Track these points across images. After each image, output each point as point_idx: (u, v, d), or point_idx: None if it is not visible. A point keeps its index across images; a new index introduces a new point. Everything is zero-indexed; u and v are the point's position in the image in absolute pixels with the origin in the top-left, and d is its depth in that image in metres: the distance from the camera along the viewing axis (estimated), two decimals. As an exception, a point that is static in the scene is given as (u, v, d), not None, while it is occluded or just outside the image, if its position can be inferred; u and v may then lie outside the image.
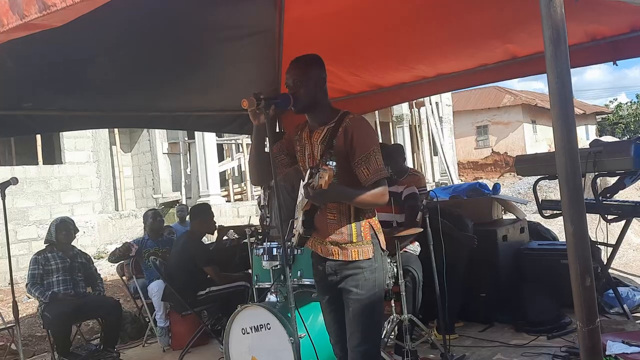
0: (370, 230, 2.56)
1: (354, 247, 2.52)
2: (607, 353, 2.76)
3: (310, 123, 2.68)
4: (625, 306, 4.37)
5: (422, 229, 3.91)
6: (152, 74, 4.64)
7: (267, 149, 2.71)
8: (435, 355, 4.19)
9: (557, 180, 6.71)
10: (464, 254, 4.56)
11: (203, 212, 5.24)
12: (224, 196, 14.07)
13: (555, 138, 1.42)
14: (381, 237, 2.61)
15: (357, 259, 2.51)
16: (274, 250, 3.82)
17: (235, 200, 14.57)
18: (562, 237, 6.28)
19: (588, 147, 4.14)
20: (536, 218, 6.53)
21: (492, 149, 28.92)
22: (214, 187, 13.36)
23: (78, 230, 5.41)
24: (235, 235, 5.63)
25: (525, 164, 4.56)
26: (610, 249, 4.31)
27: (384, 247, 2.62)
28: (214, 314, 5.25)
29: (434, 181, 21.18)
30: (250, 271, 4.04)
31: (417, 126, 20.39)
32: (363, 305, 2.50)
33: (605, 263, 4.39)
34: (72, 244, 5.24)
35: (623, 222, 4.13)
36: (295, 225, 2.74)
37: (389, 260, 3.16)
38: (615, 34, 4.28)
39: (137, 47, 4.14)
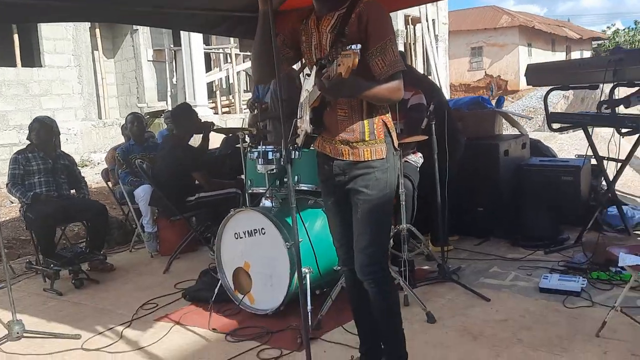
0: (384, 127, 2.35)
1: (365, 146, 2.30)
2: (619, 264, 2.65)
3: (317, 9, 2.38)
4: (627, 225, 4.28)
5: (426, 137, 3.70)
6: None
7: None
8: (431, 266, 4.12)
9: (567, 92, 6.52)
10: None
11: (185, 112, 4.98)
12: (211, 108, 13.68)
13: None
14: (394, 135, 2.40)
15: (369, 158, 2.30)
16: (270, 154, 3.59)
17: (223, 113, 14.20)
18: (561, 155, 6.16)
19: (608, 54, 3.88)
20: (537, 135, 6.36)
21: (485, 72, 28.44)
22: (201, 97, 12.94)
23: (60, 133, 5.12)
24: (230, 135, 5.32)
25: (537, 73, 4.31)
26: (619, 166, 4.16)
27: (396, 145, 2.42)
28: (203, 221, 5.11)
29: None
30: (242, 177, 3.83)
31: (411, 44, 19.77)
32: (373, 206, 2.33)
33: (612, 179, 4.26)
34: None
35: (635, 137, 3.95)
36: (299, 125, 2.50)
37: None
38: None
39: None
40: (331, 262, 3.42)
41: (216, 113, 13.89)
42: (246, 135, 4.00)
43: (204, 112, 12.83)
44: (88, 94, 12.48)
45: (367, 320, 2.59)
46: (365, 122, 2.31)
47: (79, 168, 5.46)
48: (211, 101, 14.04)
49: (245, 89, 15.39)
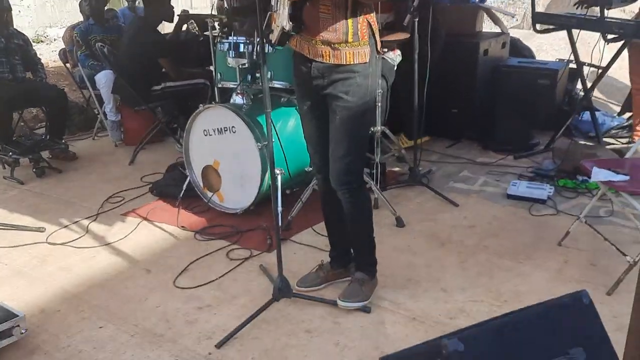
0: (369, 29, 2.18)
1: (348, 48, 2.15)
2: (592, 179, 2.66)
3: None
4: (598, 133, 4.30)
5: (409, 35, 3.52)
6: None
7: None
8: (402, 168, 4.11)
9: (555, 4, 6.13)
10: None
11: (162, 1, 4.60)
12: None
13: None
14: (377, 37, 2.24)
15: (351, 62, 2.16)
16: (242, 46, 3.36)
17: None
18: (539, 55, 6.03)
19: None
20: (515, 33, 6.17)
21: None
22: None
23: (11, 8, 4.67)
24: (196, 29, 5.02)
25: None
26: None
27: (379, 48, 2.27)
28: (169, 112, 4.91)
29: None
30: (211, 68, 3.61)
31: None
32: (352, 113, 2.22)
33: (590, 86, 4.20)
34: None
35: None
36: (274, 19, 2.29)
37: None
38: None
39: None
40: (302, 162, 3.36)
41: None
42: (215, 23, 3.71)
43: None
44: (40, -38, 11.43)
45: (338, 227, 2.59)
46: (349, 21, 2.13)
47: (35, 45, 5.07)
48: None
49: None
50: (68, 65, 5.58)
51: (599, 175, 2.59)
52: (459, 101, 4.71)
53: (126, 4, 7.14)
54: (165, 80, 4.56)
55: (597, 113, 4.65)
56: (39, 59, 4.90)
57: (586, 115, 4.60)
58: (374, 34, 2.22)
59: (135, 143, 4.81)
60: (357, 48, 2.16)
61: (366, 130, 2.43)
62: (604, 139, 4.44)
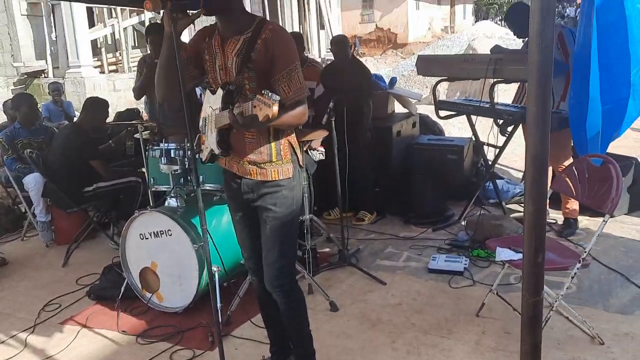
0: (290, 148, 2.46)
1: (273, 167, 2.41)
2: (496, 259, 3.02)
3: (222, 30, 2.39)
4: (502, 202, 4.78)
5: (327, 132, 3.86)
6: None
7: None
8: (332, 249, 4.37)
9: (455, 85, 6.87)
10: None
11: (101, 109, 4.78)
12: (96, 67, 12.90)
13: (530, 116, 1.29)
14: (299, 154, 2.53)
15: (276, 178, 2.42)
16: (172, 152, 3.58)
17: (110, 72, 13.45)
18: (447, 129, 6.61)
19: (489, 52, 4.21)
20: (424, 110, 6.75)
21: (376, 25, 28.93)
22: (84, 56, 12.15)
23: None
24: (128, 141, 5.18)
25: (427, 63, 4.58)
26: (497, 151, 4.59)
27: (302, 163, 2.55)
28: (101, 211, 4.98)
29: (320, 57, 20.97)
30: (143, 170, 3.78)
31: (304, -2, 19.63)
32: (281, 223, 2.46)
33: (491, 163, 4.70)
34: None
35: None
36: (203, 140, 2.55)
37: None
38: None
39: None
40: (237, 256, 3.53)
41: (102, 72, 13.15)
42: (145, 129, 3.91)
43: (89, 73, 12.11)
44: (-47, 53, 11.28)
45: (276, 325, 2.77)
46: (272, 144, 2.41)
47: None
48: (96, 59, 13.22)
49: (134, 44, 14.62)
50: (-8, 166, 5.56)
51: (502, 254, 2.96)
52: (380, 179, 5.10)
53: (51, 98, 7.23)
54: (96, 180, 4.66)
55: (501, 182, 5.17)
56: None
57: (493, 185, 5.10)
58: (295, 151, 2.50)
59: (67, 242, 4.82)
60: (280, 166, 2.43)
61: (294, 236, 2.65)
62: (511, 206, 4.92)
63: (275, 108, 2.00)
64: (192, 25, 2.39)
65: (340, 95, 3.86)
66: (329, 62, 5.10)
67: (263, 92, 2.04)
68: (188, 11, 2.28)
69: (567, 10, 21.05)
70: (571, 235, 4.31)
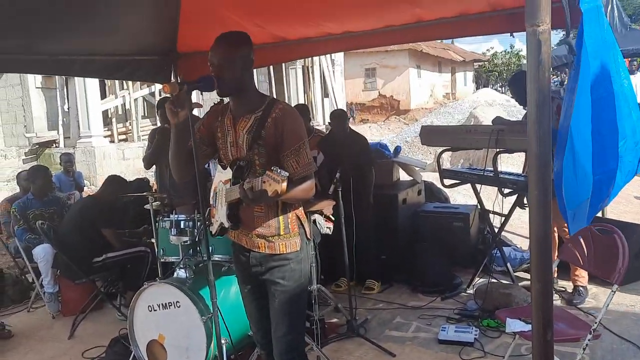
0: (297, 221, 2.52)
1: (281, 240, 2.46)
2: (507, 330, 3.00)
3: (234, 109, 2.51)
4: (510, 269, 4.77)
5: (334, 202, 3.93)
6: (29, 11, 4.04)
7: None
8: (340, 319, 4.33)
9: (457, 153, 6.96)
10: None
11: (120, 188, 4.92)
12: (106, 136, 13.20)
13: (531, 195, 1.35)
14: (307, 226, 2.58)
15: (284, 252, 2.46)
16: (182, 223, 3.64)
17: (120, 141, 13.75)
18: (452, 196, 6.68)
19: (491, 123, 4.34)
20: (429, 177, 6.84)
21: (379, 92, 29.66)
22: (95, 126, 12.47)
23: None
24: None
25: (431, 134, 4.70)
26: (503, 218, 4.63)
27: (309, 236, 2.60)
28: (109, 281, 4.99)
29: (324, 123, 21.42)
30: (148, 227, 3.83)
31: (309, 67, 20.28)
32: (290, 297, 2.48)
33: (497, 231, 4.73)
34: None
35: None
36: (213, 214, 2.62)
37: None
38: (514, 6, 4.43)
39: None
40: (245, 327, 3.51)
41: (112, 141, 13.43)
42: (156, 200, 4.00)
43: (99, 143, 12.38)
44: (-32, 125, 11.62)
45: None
46: (280, 217, 2.47)
47: None
48: (107, 129, 13.55)
49: (143, 114, 15.01)
50: (2, 237, 5.62)
51: (512, 326, 2.94)
52: (386, 247, 5.12)
53: (62, 169, 7.38)
54: (106, 251, 4.70)
55: (508, 249, 5.17)
56: (-26, 235, 4.96)
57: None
58: (302, 224, 2.55)
59: (73, 313, 4.79)
60: (288, 239, 2.47)
61: (303, 309, 2.66)
62: (520, 274, 4.91)
63: (284, 184, 2.08)
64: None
65: (344, 165, 3.96)
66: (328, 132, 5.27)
67: (272, 168, 2.12)
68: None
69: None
70: (581, 304, 4.27)
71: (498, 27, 4.97)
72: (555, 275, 4.59)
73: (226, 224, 2.49)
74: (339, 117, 5.09)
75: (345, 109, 22.24)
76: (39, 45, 4.73)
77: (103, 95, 13.69)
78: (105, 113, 13.49)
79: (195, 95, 2.74)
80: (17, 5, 3.66)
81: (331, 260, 4.68)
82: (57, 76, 13.06)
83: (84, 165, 11.88)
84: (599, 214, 5.16)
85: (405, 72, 29.18)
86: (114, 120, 13.88)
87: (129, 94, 13.77)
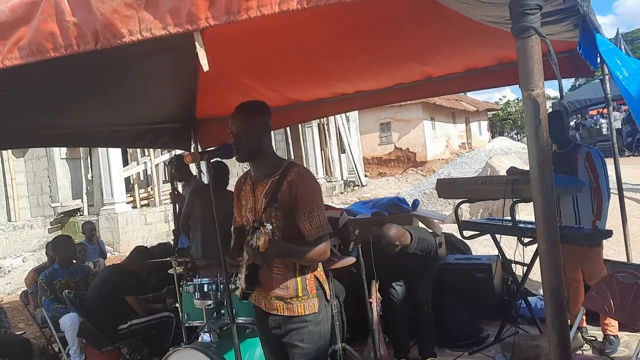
0: (316, 282, 2.56)
1: (299, 302, 2.50)
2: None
3: (253, 174, 2.63)
4: (537, 319, 4.69)
5: (354, 260, 3.96)
6: (57, 91, 4.26)
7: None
8: (367, 379, 4.27)
9: (476, 203, 6.94)
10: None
11: (146, 259, 5.02)
12: (129, 202, 13.46)
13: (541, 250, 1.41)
14: (326, 287, 2.61)
15: (302, 313, 2.49)
16: (206, 286, 3.70)
17: (142, 206, 13.99)
18: (473, 248, 6.64)
19: (506, 174, 4.38)
20: (449, 229, 6.84)
21: (394, 145, 29.91)
22: (118, 193, 12.74)
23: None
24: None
25: (447, 187, 4.75)
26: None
27: (328, 297, 2.63)
28: (134, 348, 5.01)
29: (342, 179, 21.59)
30: (176, 305, 3.88)
31: (324, 125, 20.66)
32: (309, 359, 2.50)
33: (521, 281, 4.69)
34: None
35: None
36: (238, 277, 2.68)
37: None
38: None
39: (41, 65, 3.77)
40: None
41: (135, 207, 13.68)
42: (179, 265, 4.06)
43: (122, 209, 12.61)
44: (-4, 197, 11.97)
45: None
46: (298, 279, 2.51)
47: None
48: (129, 195, 13.83)
49: (164, 179, 15.31)
50: (29, 307, 5.70)
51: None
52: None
53: (85, 237, 7.53)
54: (131, 317, 4.75)
55: (533, 299, 5.09)
56: (1, 307, 5.04)
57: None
58: (321, 285, 2.59)
59: (100, 381, 4.80)
60: (306, 301, 2.51)
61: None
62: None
63: (267, 237, 2.20)
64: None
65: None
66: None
67: (265, 223, 2.23)
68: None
69: (588, 120, 21.32)
70: (613, 353, 4.16)
71: (506, 79, 5.12)
72: (584, 324, 4.51)
73: (243, 286, 2.54)
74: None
75: (358, 162, 22.38)
76: (65, 120, 4.97)
77: (125, 163, 14.05)
78: (127, 180, 13.82)
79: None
80: (46, 87, 3.88)
81: (355, 318, 4.66)
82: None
83: (107, 231, 12.08)
84: (623, 259, 5.09)
85: (419, 124, 29.49)
86: (135, 186, 14.18)
87: (150, 160, 14.11)
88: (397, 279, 4.42)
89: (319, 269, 2.60)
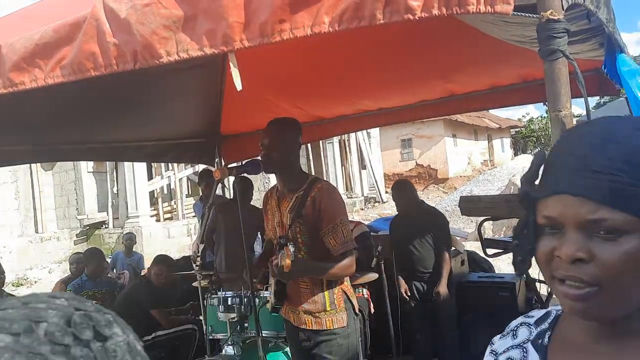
0: (344, 296, 2.60)
1: (327, 316, 2.54)
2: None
3: (280, 188, 2.68)
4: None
5: (376, 275, 3.98)
6: (87, 108, 4.40)
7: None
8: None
9: (499, 221, 6.95)
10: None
11: (169, 268, 5.11)
12: (152, 216, 13.65)
13: None
14: (354, 300, 2.65)
15: (330, 327, 2.53)
16: (230, 299, 3.74)
17: (165, 220, 14.17)
18: (497, 266, 6.60)
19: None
20: (471, 246, 6.81)
21: (416, 162, 29.86)
22: (143, 207, 12.95)
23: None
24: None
25: (470, 205, 4.75)
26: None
27: (357, 310, 2.66)
28: (158, 358, 5.06)
29: (362, 195, 21.59)
30: (200, 318, 3.94)
31: (345, 141, 20.73)
32: None
33: (545, 300, 4.65)
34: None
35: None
36: (269, 292, 2.75)
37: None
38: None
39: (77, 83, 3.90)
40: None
41: (158, 220, 13.86)
42: (203, 278, 4.12)
43: (146, 222, 12.79)
44: (25, 209, 12.25)
45: None
46: (326, 293, 2.56)
47: (14, 288, 5.32)
48: (153, 208, 14.03)
49: (188, 193, 15.51)
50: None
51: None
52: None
53: (124, 248, 7.63)
54: (155, 329, 4.81)
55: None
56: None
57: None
58: (349, 299, 2.62)
59: (123, 393, 4.84)
60: (335, 315, 2.55)
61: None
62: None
63: (288, 260, 2.26)
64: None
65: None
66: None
67: (289, 244, 2.29)
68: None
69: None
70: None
71: (529, 97, 5.12)
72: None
73: (272, 301, 2.59)
74: (399, 189, 4.82)
75: (380, 179, 22.39)
76: (94, 136, 5.11)
77: (150, 177, 14.28)
78: (151, 193, 14.03)
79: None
80: (79, 104, 4.02)
81: (377, 335, 4.66)
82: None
83: (131, 244, 12.25)
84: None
85: (441, 141, 29.43)
86: (159, 199, 14.39)
87: (174, 174, 14.32)
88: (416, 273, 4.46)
89: (346, 283, 2.64)
